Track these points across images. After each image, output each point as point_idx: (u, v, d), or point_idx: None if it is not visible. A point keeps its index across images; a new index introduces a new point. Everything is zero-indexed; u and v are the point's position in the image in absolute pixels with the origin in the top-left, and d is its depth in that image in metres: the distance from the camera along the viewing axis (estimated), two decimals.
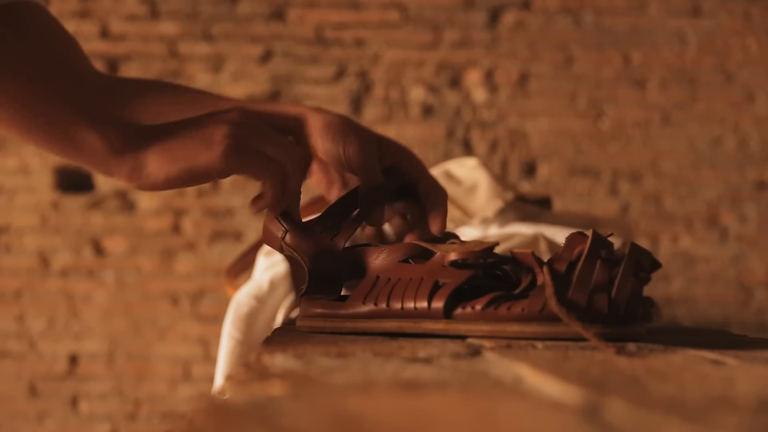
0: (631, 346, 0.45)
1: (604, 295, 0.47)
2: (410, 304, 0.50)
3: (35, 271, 2.06)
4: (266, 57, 2.10)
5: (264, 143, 0.51)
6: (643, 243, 2.10)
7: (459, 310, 0.49)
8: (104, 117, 0.49)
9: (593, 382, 0.31)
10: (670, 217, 2.12)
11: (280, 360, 0.36)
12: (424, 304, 0.49)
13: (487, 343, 0.45)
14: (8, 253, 2.06)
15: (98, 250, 2.07)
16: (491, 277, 0.51)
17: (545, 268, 0.47)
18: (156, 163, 0.49)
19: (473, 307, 0.48)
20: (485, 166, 1.01)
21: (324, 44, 2.11)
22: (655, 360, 0.39)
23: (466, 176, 0.95)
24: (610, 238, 0.52)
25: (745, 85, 2.13)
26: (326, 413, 0.24)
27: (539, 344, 0.45)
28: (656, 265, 0.49)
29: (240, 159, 0.50)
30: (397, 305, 0.51)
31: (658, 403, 0.26)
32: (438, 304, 0.49)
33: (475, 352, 0.41)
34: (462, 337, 0.50)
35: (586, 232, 0.50)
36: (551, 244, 0.79)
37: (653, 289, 1.95)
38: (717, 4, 2.12)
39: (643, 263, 0.49)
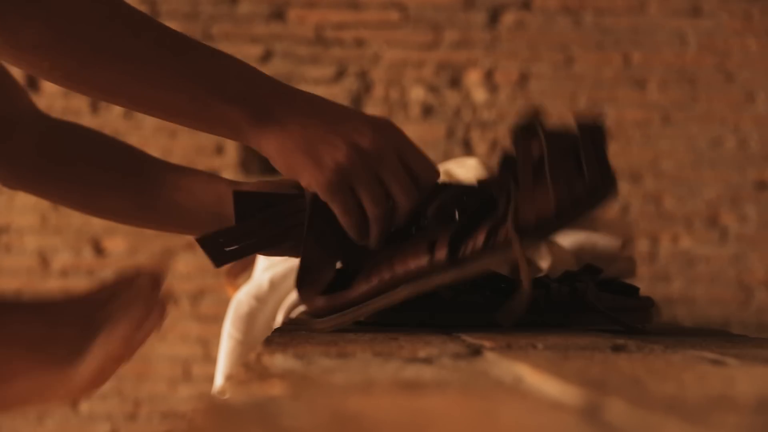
0: (632, 346, 0.45)
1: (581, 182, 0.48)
2: (414, 263, 0.50)
3: (35, 271, 2.06)
4: (266, 57, 2.10)
5: (374, 185, 0.51)
6: (643, 243, 2.10)
7: (462, 252, 0.49)
8: (232, 89, 0.51)
9: (593, 382, 0.31)
10: (670, 217, 2.12)
11: (280, 360, 0.36)
12: (426, 258, 0.49)
13: (487, 343, 0.45)
14: (8, 253, 2.06)
15: (98, 250, 2.07)
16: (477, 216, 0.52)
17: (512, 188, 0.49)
18: (274, 154, 0.51)
19: (474, 244, 0.49)
20: (485, 165, 1.01)
21: (324, 44, 2.12)
22: (655, 360, 0.39)
23: (466, 176, 0.95)
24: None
25: (745, 85, 2.13)
26: (326, 413, 0.24)
27: (539, 344, 0.45)
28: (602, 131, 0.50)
29: (335, 197, 0.51)
30: (401, 270, 0.50)
31: (658, 403, 0.26)
32: (441, 253, 0.49)
33: (475, 352, 0.41)
34: (459, 336, 0.49)
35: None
36: (551, 244, 0.79)
37: (653, 289, 1.95)
38: (717, 4, 2.13)
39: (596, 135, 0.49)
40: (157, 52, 0.49)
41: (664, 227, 2.12)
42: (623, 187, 2.15)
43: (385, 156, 0.51)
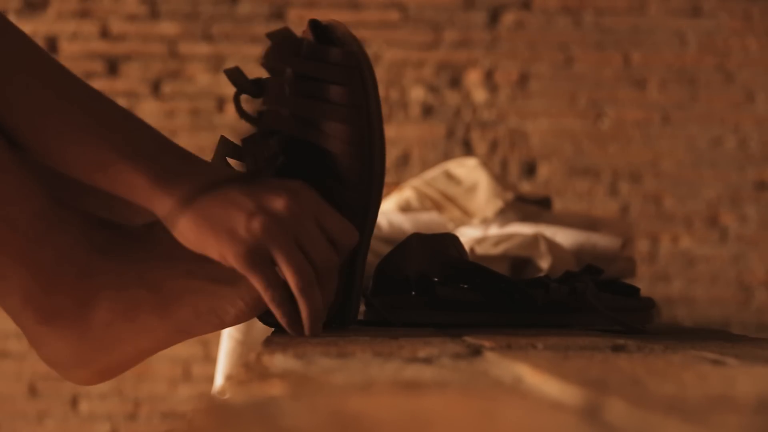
0: (632, 346, 0.45)
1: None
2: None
3: None
4: None
5: (294, 253, 0.47)
6: (643, 243, 2.10)
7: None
8: (166, 169, 0.48)
9: (593, 382, 0.31)
10: (670, 217, 2.12)
11: (280, 360, 0.36)
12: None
13: (487, 343, 0.45)
14: None
15: None
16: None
17: None
18: (187, 232, 0.47)
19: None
20: (485, 166, 1.01)
21: None
22: (655, 360, 0.39)
23: (466, 176, 0.95)
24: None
25: (745, 85, 2.13)
26: (326, 413, 0.24)
27: (539, 344, 0.45)
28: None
29: (255, 269, 0.46)
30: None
31: (658, 403, 0.26)
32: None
33: (475, 352, 0.41)
34: (459, 336, 0.49)
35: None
36: (551, 244, 0.79)
37: (653, 289, 1.95)
38: (717, 4, 2.12)
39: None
40: (63, 103, 0.48)
41: (664, 227, 2.12)
42: (623, 186, 2.15)
43: (302, 221, 0.47)
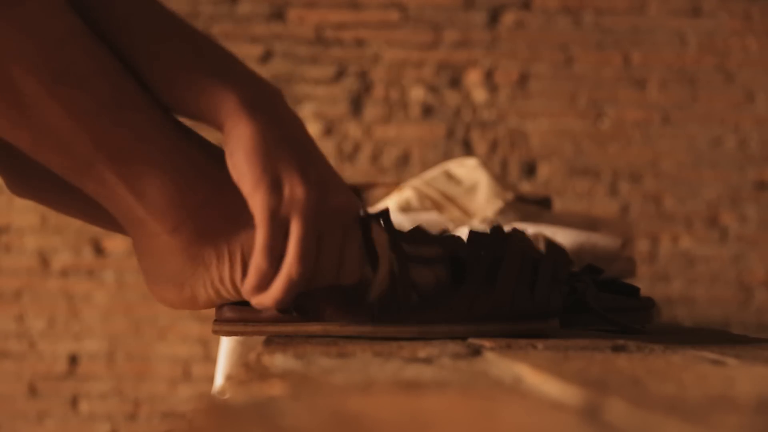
0: (632, 346, 0.45)
1: (526, 293, 0.49)
2: (345, 309, 0.49)
3: (35, 271, 2.06)
4: (266, 57, 2.10)
5: (309, 239, 0.45)
6: (643, 243, 2.10)
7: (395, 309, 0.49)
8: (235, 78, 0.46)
9: (593, 382, 0.31)
10: (670, 217, 2.12)
11: (280, 360, 0.36)
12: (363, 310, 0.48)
13: (487, 343, 0.45)
14: (8, 253, 2.05)
15: (98, 250, 2.07)
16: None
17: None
18: (249, 147, 0.45)
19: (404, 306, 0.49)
20: (485, 166, 1.01)
21: (324, 44, 2.11)
22: (655, 360, 0.39)
23: (466, 176, 0.95)
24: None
25: (745, 85, 2.13)
26: (326, 413, 0.24)
27: (539, 344, 0.45)
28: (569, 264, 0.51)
29: (268, 223, 0.45)
30: (330, 310, 0.49)
31: (658, 403, 0.26)
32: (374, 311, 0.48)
33: (475, 352, 0.41)
34: (463, 338, 0.49)
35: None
36: (551, 243, 0.79)
37: (653, 289, 1.95)
38: (717, 4, 2.12)
39: (562, 263, 0.50)
40: (174, 34, 0.46)
41: (664, 227, 2.12)
42: (623, 186, 2.15)
43: (334, 228, 0.46)
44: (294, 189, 0.44)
